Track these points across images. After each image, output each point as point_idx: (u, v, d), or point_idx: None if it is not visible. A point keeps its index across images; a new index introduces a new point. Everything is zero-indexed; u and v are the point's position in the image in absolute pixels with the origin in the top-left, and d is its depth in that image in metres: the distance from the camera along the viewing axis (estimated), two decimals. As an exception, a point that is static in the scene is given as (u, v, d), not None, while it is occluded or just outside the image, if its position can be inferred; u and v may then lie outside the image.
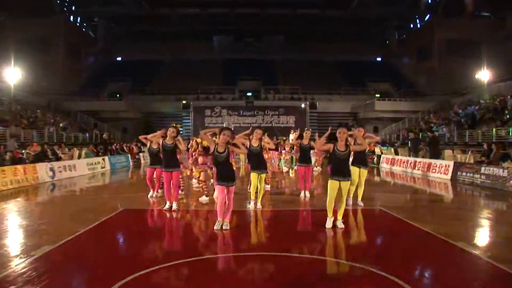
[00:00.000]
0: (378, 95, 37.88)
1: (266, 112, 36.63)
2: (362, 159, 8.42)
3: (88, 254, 5.35)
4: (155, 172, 9.53)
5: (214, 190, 8.19)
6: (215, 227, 6.31)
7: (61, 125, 27.46)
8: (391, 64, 44.46)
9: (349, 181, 6.51)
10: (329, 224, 6.46)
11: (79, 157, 19.20)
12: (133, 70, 41.02)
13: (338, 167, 6.42)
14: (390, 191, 12.12)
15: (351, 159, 7.21)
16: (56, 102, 33.56)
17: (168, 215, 7.92)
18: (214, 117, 36.26)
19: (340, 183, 6.38)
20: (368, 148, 8.71)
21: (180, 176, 9.91)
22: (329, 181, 6.45)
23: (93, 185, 14.03)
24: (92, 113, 34.53)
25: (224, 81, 41.18)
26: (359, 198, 8.55)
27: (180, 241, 6.26)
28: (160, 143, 8.07)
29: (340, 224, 6.46)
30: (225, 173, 6.36)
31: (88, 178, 15.99)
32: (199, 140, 9.72)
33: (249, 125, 35.30)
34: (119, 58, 46.76)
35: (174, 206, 8.09)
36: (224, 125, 7.18)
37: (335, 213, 6.53)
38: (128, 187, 11.90)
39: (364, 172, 8.49)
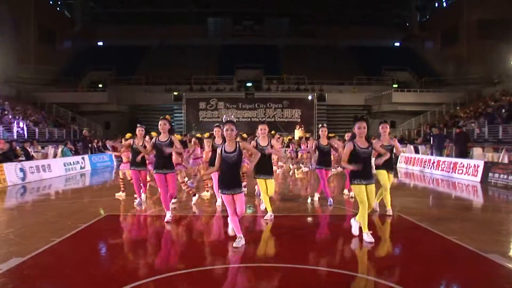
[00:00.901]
0: (396, 85, 37.87)
1: (268, 105, 36.62)
2: (389, 161, 7.97)
3: (64, 267, 5.29)
4: (140, 175, 9.52)
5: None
6: (234, 245, 5.92)
7: (33, 119, 27.42)
8: (412, 49, 44.41)
9: (374, 184, 6.33)
10: (370, 238, 6.15)
11: (55, 156, 19.19)
12: (116, 57, 40.98)
13: (362, 168, 6.12)
14: (409, 195, 12.06)
15: (373, 160, 6.80)
16: (27, 92, 33.56)
17: (158, 221, 7.87)
18: (209, 111, 36.26)
19: (366, 187, 6.21)
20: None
21: (182, 180, 10.17)
22: (353, 187, 6.29)
23: (71, 188, 13.99)
24: (70, 105, 34.55)
25: (220, 70, 41.17)
26: (388, 206, 8.30)
27: (173, 251, 6.21)
28: (153, 141, 7.61)
29: (368, 237, 6.17)
30: (226, 177, 5.95)
31: (65, 179, 15.97)
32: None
33: (249, 119, 35.37)
34: (100, 43, 46.76)
35: (168, 217, 7.69)
36: (224, 119, 6.63)
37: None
38: (112, 190, 11.86)
39: (391, 177, 8.30)
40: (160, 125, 7.53)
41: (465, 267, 5.31)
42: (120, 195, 10.92)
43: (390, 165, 8.09)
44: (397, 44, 47.13)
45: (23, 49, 36.00)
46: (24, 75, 34.09)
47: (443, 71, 39.33)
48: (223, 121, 6.02)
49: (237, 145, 5.93)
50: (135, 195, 9.84)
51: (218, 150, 5.99)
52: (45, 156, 18.81)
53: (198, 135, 12.66)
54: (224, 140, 6.06)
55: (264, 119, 35.04)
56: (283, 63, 43.02)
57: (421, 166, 19.19)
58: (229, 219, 6.19)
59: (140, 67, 41.46)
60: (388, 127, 8.09)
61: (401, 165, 21.02)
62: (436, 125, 26.63)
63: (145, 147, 8.42)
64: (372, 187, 6.27)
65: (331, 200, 9.47)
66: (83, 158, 19.75)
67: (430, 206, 10.45)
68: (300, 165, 19.68)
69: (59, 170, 17.14)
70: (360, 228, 6.37)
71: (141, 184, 9.72)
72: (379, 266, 5.36)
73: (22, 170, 14.66)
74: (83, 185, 14.94)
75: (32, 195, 12.18)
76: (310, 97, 36.78)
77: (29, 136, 23.66)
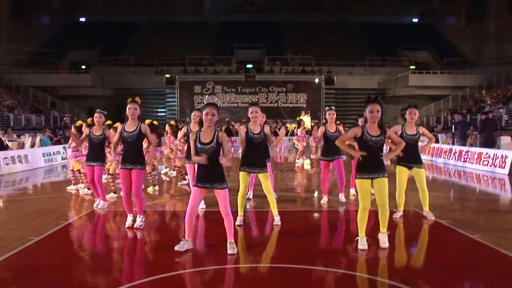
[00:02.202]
0: (414, 67, 37.77)
1: (270, 88, 36.56)
2: (412, 154, 7.44)
3: (43, 269, 5.26)
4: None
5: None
6: (176, 248, 5.71)
7: (7, 104, 27.35)
8: (431, 26, 44.17)
9: (386, 178, 5.86)
10: (362, 245, 5.85)
11: (32, 145, 19.18)
12: (101, 35, 40.93)
13: (368, 159, 5.79)
14: (428, 189, 12.01)
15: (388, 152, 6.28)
16: (0, 75, 33.44)
17: (152, 216, 7.85)
18: (205, 95, 36.23)
19: (372, 182, 5.85)
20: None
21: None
22: (356, 182, 5.96)
23: (52, 181, 13.99)
24: (49, 89, 34.51)
25: (218, 50, 41.09)
26: (426, 208, 7.72)
27: (168, 249, 6.18)
28: (119, 131, 6.98)
29: (383, 241, 5.92)
30: (204, 170, 5.68)
31: (44, 171, 15.96)
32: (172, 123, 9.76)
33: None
34: (82, 19, 46.61)
35: (139, 222, 7.05)
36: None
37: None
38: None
39: (420, 172, 7.60)
40: (130, 109, 6.86)
41: (491, 270, 5.25)
42: (77, 187, 10.97)
43: (414, 159, 7.42)
44: (415, 20, 46.91)
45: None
46: (-5, 56, 33.92)
47: (467, 51, 39.14)
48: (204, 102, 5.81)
49: (215, 135, 5.66)
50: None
51: (192, 138, 5.74)
52: (21, 146, 18.80)
53: (172, 122, 12.69)
54: (201, 127, 5.75)
55: (266, 104, 35.04)
56: (287, 42, 42.89)
57: (441, 157, 19.15)
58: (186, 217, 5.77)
59: (128, 46, 41.38)
60: (417, 113, 7.53)
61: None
62: (458, 111, 26.56)
63: (80, 136, 8.40)
64: (381, 181, 5.81)
65: (326, 199, 9.09)
66: (64, 148, 19.71)
67: (452, 202, 10.44)
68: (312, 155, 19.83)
69: (37, 161, 17.13)
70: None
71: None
72: (395, 269, 5.36)
73: (-4, 161, 14.66)
74: (64, 178, 14.89)
75: (7, 189, 12.17)
76: (317, 80, 36.71)
77: (3, 124, 23.63)
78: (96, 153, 8.45)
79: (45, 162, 17.64)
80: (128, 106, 6.84)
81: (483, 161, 16.00)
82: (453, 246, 6.20)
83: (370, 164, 5.81)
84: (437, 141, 21.83)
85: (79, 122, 9.91)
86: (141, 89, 36.64)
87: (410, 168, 7.52)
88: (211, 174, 5.63)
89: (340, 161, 8.87)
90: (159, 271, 5.00)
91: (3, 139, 17.09)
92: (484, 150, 16.41)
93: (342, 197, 9.28)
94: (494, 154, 15.71)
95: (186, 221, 5.74)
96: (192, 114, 8.48)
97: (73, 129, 10.23)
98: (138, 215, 7.05)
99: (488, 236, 6.40)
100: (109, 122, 9.84)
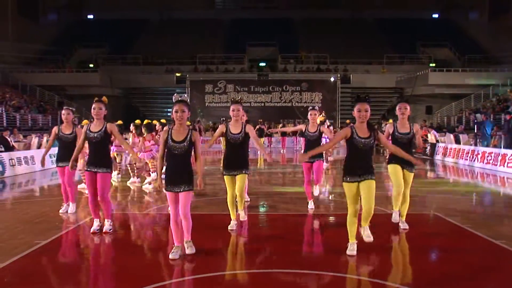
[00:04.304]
0: (434, 64, 37.46)
1: (284, 87, 36.50)
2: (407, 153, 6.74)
3: (50, 274, 5.31)
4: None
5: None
6: (170, 256, 5.64)
7: (13, 103, 27.58)
8: (452, 22, 43.83)
9: (374, 180, 5.73)
10: (352, 251, 5.78)
11: (39, 146, 19.28)
12: (109, 32, 41.14)
13: (355, 162, 5.72)
14: (448, 192, 11.93)
15: (387, 153, 6.60)
16: (6, 73, 33.77)
17: (163, 219, 7.88)
18: (217, 94, 36.26)
19: (359, 185, 5.72)
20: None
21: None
22: (344, 185, 5.81)
23: (59, 183, 14.04)
24: (56, 88, 34.77)
25: (229, 48, 41.10)
26: (402, 217, 7.32)
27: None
28: (85, 130, 6.90)
29: (367, 235, 5.83)
30: (171, 171, 5.65)
31: (51, 173, 16.04)
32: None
33: (263, 104, 35.34)
34: (90, 16, 46.89)
35: (107, 226, 7.00)
36: (174, 99, 5.85)
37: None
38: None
39: (409, 175, 7.22)
40: (94, 109, 6.74)
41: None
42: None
43: (406, 160, 6.69)
44: (435, 15, 46.54)
45: (0, 24, 36.10)
46: (2, 54, 34.25)
47: (490, 47, 38.75)
48: (173, 100, 5.59)
49: (189, 134, 5.60)
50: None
51: (163, 136, 5.67)
52: (28, 147, 18.90)
53: (137, 121, 12.61)
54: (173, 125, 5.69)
55: (279, 104, 35.00)
56: (301, 39, 42.75)
57: (462, 158, 18.99)
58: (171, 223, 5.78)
59: (137, 44, 41.53)
60: (408, 107, 7.11)
61: (437, 157, 20.93)
62: (481, 111, 26.29)
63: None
64: (369, 183, 5.66)
65: (312, 203, 8.85)
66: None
67: (474, 205, 10.32)
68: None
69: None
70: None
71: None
72: (413, 276, 5.32)
73: (1, 162, 14.75)
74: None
75: (13, 191, 12.28)
76: (332, 79, 36.58)
77: (9, 124, 23.80)
78: (68, 153, 7.76)
79: (51, 164, 17.71)
80: (93, 105, 6.76)
81: (507, 162, 15.81)
82: (473, 252, 6.16)
83: (359, 167, 5.70)
84: (458, 142, 21.66)
85: (85, 122, 9.96)
86: (150, 88, 36.83)
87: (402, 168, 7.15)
88: (178, 176, 5.56)
89: (320, 163, 8.79)
90: (182, 274, 5.01)
91: (9, 139, 17.21)
92: (509, 151, 16.22)
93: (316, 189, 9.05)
94: (519, 156, 15.56)
95: (172, 228, 5.73)
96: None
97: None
98: (106, 219, 6.99)
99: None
100: (120, 122, 9.90)
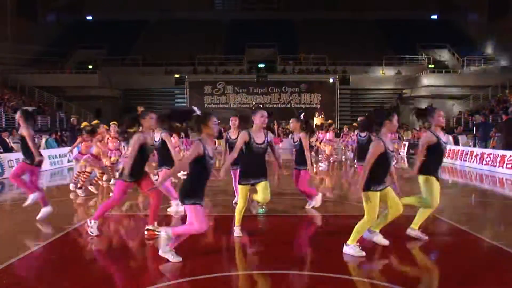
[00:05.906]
0: (433, 66, 37.49)
1: (283, 89, 36.56)
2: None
3: (48, 277, 5.29)
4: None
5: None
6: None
7: (11, 105, 27.55)
8: (452, 23, 43.87)
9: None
10: (358, 252, 5.79)
11: (38, 147, 19.26)
12: (108, 33, 41.13)
13: (381, 170, 5.75)
14: (447, 193, 11.90)
15: (418, 163, 6.36)
16: (4, 74, 33.73)
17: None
18: (216, 96, 36.31)
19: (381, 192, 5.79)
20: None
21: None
22: (369, 194, 5.69)
23: (58, 184, 14.04)
24: (55, 89, 34.73)
25: (228, 49, 41.12)
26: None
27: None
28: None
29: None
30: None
31: (50, 175, 16.05)
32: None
33: (262, 105, 35.31)
34: (89, 17, 46.90)
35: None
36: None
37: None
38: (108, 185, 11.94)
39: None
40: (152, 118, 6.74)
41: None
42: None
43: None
44: (434, 17, 46.59)
45: (-1, 25, 36.02)
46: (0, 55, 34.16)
47: (489, 48, 38.83)
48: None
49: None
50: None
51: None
52: (27, 148, 18.87)
53: (85, 123, 12.66)
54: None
55: (278, 105, 35.02)
56: (300, 40, 42.78)
57: (461, 160, 18.99)
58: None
59: (136, 46, 41.55)
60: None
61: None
62: (480, 112, 26.30)
63: None
64: (389, 189, 5.85)
65: (312, 203, 8.86)
66: (71, 151, 19.80)
67: (473, 206, 10.35)
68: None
69: (43, 164, 17.17)
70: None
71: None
72: (412, 277, 5.32)
73: None
74: (70, 181, 14.95)
75: (12, 192, 12.29)
76: (331, 80, 36.61)
77: (8, 125, 23.78)
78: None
79: (50, 165, 17.74)
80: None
81: (506, 164, 15.81)
82: (472, 253, 6.17)
83: (385, 175, 5.82)
84: (456, 143, 21.67)
85: (84, 124, 9.95)
86: (149, 89, 36.82)
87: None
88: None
89: (306, 173, 8.69)
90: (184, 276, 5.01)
91: (7, 140, 17.21)
92: (508, 153, 16.21)
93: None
94: (518, 157, 15.57)
95: None
96: (231, 119, 8.49)
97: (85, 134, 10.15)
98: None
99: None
100: (114, 122, 9.90)
